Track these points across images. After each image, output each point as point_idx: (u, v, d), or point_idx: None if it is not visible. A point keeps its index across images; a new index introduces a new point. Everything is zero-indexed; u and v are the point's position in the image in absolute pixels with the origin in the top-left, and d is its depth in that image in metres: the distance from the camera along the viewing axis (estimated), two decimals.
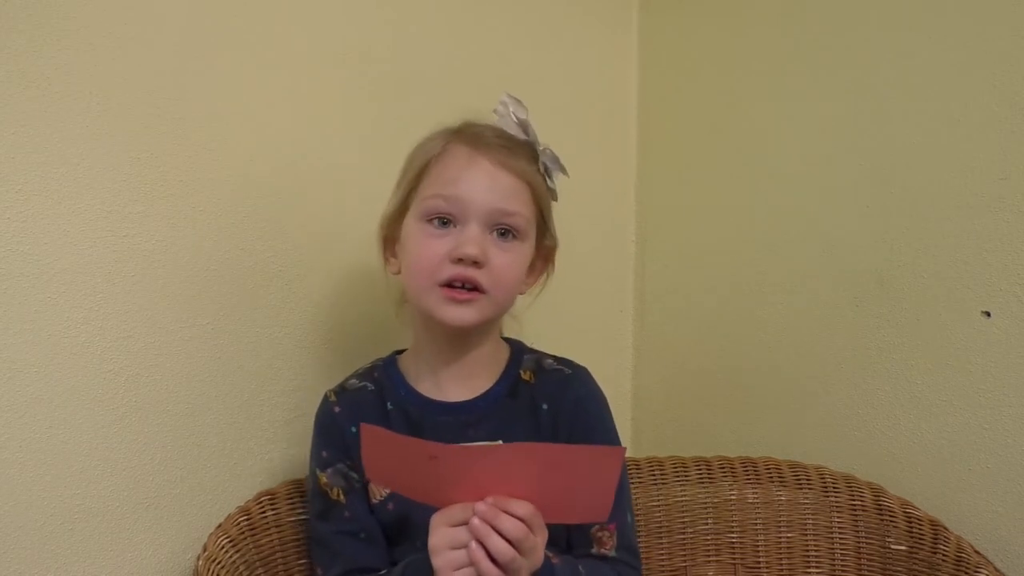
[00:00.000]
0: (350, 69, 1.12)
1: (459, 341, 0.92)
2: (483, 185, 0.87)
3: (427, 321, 0.91)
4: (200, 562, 0.88)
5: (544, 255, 0.96)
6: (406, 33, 1.18)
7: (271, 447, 1.07)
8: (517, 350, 0.98)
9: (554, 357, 0.98)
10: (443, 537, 0.73)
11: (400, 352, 0.99)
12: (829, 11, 1.19)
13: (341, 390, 0.96)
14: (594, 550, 0.90)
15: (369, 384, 0.96)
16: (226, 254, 1.02)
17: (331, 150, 1.11)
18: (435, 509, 0.75)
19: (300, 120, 1.08)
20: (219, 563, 0.89)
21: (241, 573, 0.92)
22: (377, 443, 0.74)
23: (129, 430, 0.95)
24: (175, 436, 0.99)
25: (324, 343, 1.11)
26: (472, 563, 0.72)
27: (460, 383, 0.93)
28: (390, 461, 0.74)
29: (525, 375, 0.95)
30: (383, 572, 0.88)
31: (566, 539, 0.90)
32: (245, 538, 0.95)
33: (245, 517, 0.97)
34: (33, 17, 0.87)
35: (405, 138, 0.95)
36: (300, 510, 1.01)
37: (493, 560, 0.72)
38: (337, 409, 0.94)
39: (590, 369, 0.98)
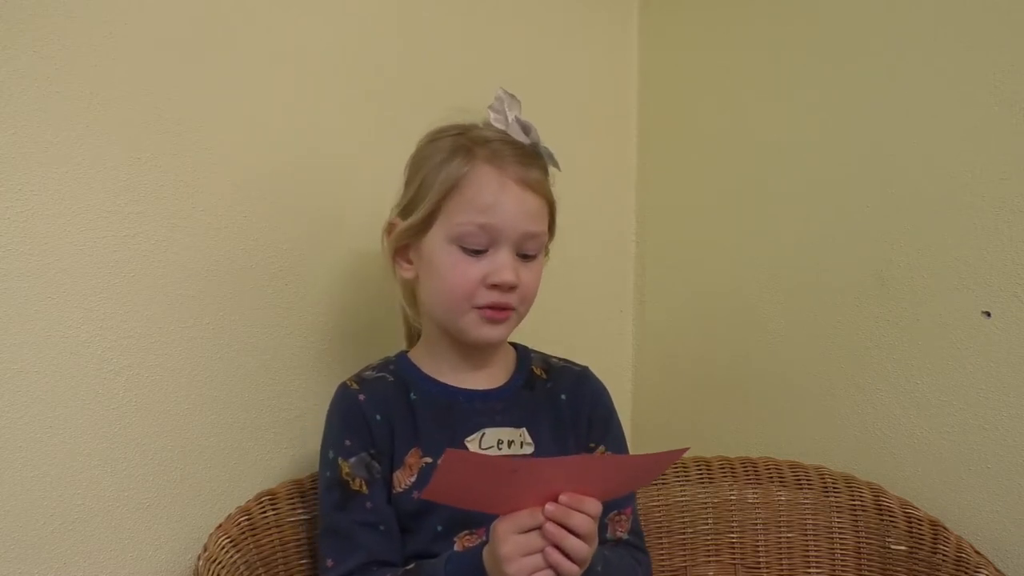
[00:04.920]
0: (350, 68, 1.12)
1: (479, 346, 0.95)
2: (514, 210, 0.89)
3: (448, 331, 0.93)
4: (200, 562, 0.88)
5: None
6: (406, 33, 1.18)
7: (271, 447, 1.07)
8: (522, 349, 1.02)
9: (556, 357, 1.03)
10: (515, 545, 0.75)
11: (406, 352, 1.00)
12: (830, 11, 1.19)
13: (360, 380, 0.95)
14: (608, 533, 0.93)
15: (388, 375, 0.96)
16: (226, 254, 1.02)
17: (331, 150, 1.11)
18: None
19: (300, 120, 1.08)
20: (219, 563, 0.89)
21: (242, 573, 0.91)
22: (458, 466, 0.73)
23: (129, 430, 0.95)
24: (175, 436, 0.99)
25: (324, 343, 1.11)
26: (551, 566, 0.74)
27: (479, 377, 0.96)
28: (466, 481, 0.74)
29: (537, 371, 1.00)
30: (400, 571, 0.87)
31: None
32: (245, 538, 0.95)
33: (245, 517, 0.96)
34: (33, 17, 0.87)
35: (405, 137, 0.95)
36: (300, 510, 1.01)
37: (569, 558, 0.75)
38: (362, 397, 0.93)
39: (590, 368, 1.03)
